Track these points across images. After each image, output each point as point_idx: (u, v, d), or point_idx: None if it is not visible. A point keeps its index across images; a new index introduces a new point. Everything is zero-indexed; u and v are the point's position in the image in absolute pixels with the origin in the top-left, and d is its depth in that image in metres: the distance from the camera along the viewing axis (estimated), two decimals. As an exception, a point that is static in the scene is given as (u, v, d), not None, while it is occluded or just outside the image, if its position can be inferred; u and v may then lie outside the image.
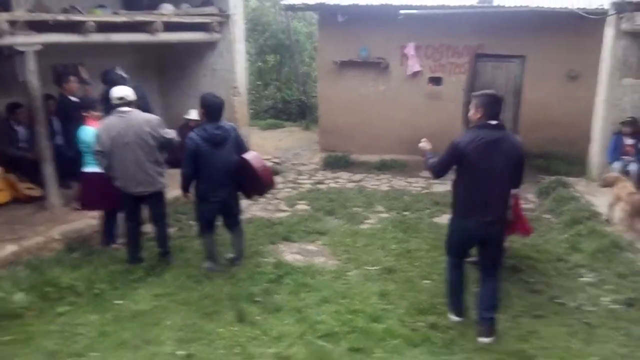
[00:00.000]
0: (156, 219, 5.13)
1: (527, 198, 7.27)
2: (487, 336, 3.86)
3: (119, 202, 5.01)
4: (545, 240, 5.80)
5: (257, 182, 4.84)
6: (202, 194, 4.83)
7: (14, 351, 3.72)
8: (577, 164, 8.23)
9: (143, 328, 4.02)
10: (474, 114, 3.80)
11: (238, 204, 5.11)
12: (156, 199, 5.01)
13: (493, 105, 3.75)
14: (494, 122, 3.72)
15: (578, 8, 7.83)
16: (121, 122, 4.73)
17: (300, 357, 3.66)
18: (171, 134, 4.97)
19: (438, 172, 3.94)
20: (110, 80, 5.90)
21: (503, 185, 3.79)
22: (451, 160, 3.83)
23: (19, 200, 6.47)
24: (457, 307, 4.13)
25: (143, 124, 4.77)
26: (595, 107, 7.77)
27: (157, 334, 3.95)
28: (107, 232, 5.49)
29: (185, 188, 4.91)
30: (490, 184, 3.73)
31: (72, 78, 6.85)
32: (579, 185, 7.42)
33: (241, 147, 4.90)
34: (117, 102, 4.80)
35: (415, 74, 9.35)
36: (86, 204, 5.52)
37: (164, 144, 4.91)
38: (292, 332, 3.95)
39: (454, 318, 4.12)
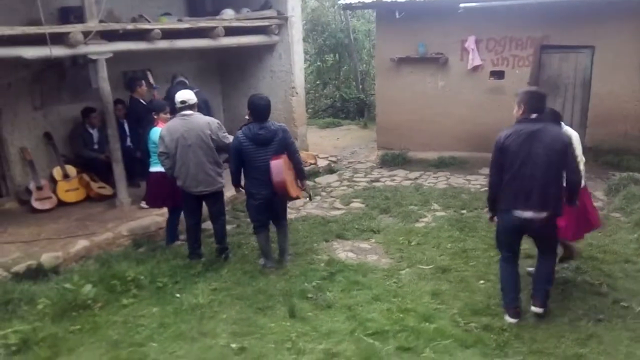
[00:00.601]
0: (215, 217, 5.32)
1: (595, 196, 6.89)
2: (538, 306, 4.02)
3: (181, 200, 5.26)
4: (612, 240, 5.48)
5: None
6: (248, 190, 4.99)
7: (81, 340, 3.98)
8: (651, 161, 7.71)
9: (200, 321, 4.20)
10: (517, 110, 3.88)
11: (284, 204, 5.18)
12: (215, 197, 5.21)
13: (535, 101, 3.82)
14: (533, 116, 3.78)
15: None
16: (184, 124, 4.94)
17: (349, 354, 3.70)
18: (229, 139, 5.08)
19: (492, 177, 3.98)
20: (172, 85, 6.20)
21: (546, 177, 3.74)
22: (497, 158, 3.88)
23: (91, 198, 6.96)
24: (512, 307, 4.03)
25: (204, 126, 4.97)
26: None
27: (213, 326, 4.12)
28: (171, 229, 5.77)
29: (234, 182, 5.07)
30: (531, 176, 3.74)
31: (143, 83, 7.26)
32: (654, 183, 6.94)
33: (288, 148, 4.93)
34: (180, 105, 5.03)
35: (476, 68, 9.07)
36: (151, 202, 5.85)
37: (223, 147, 5.10)
38: (342, 329, 4.00)
39: (509, 320, 4.01)
